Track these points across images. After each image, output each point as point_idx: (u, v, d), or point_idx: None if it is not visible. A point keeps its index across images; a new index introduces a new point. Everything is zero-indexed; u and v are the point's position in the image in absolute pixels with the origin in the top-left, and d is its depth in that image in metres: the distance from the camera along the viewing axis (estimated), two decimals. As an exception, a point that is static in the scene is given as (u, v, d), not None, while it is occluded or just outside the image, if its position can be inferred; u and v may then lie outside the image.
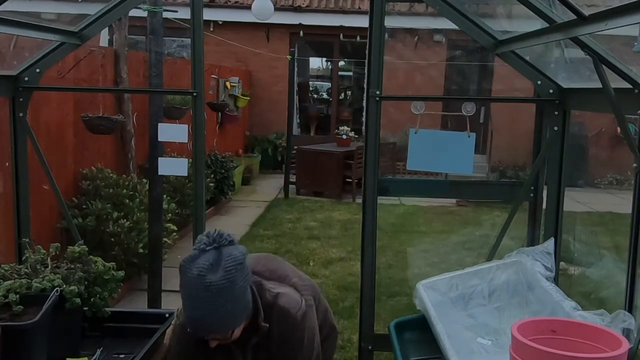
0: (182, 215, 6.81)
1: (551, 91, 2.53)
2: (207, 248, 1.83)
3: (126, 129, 6.16)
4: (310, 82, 15.92)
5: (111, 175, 5.54)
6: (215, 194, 8.80)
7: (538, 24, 2.05)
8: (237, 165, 10.01)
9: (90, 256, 2.32)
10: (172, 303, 4.78)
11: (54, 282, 2.08)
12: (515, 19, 2.61)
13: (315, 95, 15.86)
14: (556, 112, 2.54)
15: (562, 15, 1.89)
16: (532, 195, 2.69)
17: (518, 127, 10.57)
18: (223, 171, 9.02)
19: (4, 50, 3.52)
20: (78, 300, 2.12)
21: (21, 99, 2.67)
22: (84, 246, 2.32)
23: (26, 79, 2.65)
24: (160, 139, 3.02)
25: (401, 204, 9.33)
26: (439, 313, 2.18)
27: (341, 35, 13.22)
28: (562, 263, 2.82)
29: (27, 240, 2.43)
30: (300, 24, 13.08)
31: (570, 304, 2.04)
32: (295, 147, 10.85)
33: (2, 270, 2.17)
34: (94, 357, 2.17)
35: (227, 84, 10.65)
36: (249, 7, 9.76)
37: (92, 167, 5.52)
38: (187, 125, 2.81)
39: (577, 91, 2.46)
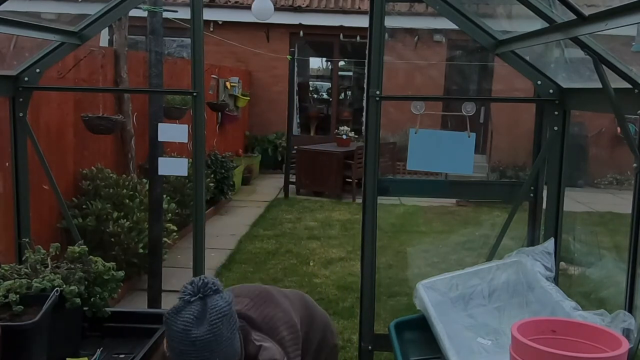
0: (182, 215, 6.81)
1: (551, 91, 2.53)
2: (192, 299, 1.78)
3: (126, 129, 6.16)
4: (310, 82, 15.91)
5: (111, 175, 5.54)
6: (215, 194, 8.80)
7: (538, 24, 2.05)
8: (237, 165, 10.02)
9: (90, 256, 2.32)
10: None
11: (54, 282, 2.08)
12: (515, 19, 2.61)
13: (315, 95, 15.86)
14: (556, 112, 2.54)
15: (562, 15, 1.89)
16: (532, 195, 2.68)
17: (518, 127, 10.58)
18: (223, 171, 9.02)
19: (4, 50, 3.52)
20: (78, 300, 2.12)
21: (21, 99, 2.67)
22: (84, 246, 2.32)
23: (26, 79, 2.65)
24: (160, 139, 3.02)
25: (401, 204, 9.33)
26: (439, 313, 2.18)
27: (341, 35, 13.22)
28: (562, 263, 2.82)
29: (27, 240, 2.43)
30: (300, 24, 13.08)
31: (570, 304, 2.04)
32: (295, 147, 10.85)
33: (2, 270, 2.17)
34: (94, 357, 2.17)
35: (227, 84, 10.65)
36: (249, 7, 9.76)
37: (92, 167, 5.52)
38: (187, 125, 2.81)
39: (577, 91, 2.46)
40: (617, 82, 1.91)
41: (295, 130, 13.39)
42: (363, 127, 2.68)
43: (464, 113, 2.65)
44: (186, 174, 2.93)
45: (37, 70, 2.66)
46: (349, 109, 14.63)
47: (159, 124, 3.02)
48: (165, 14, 4.55)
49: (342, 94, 15.52)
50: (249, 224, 8.33)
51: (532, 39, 2.19)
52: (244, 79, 11.96)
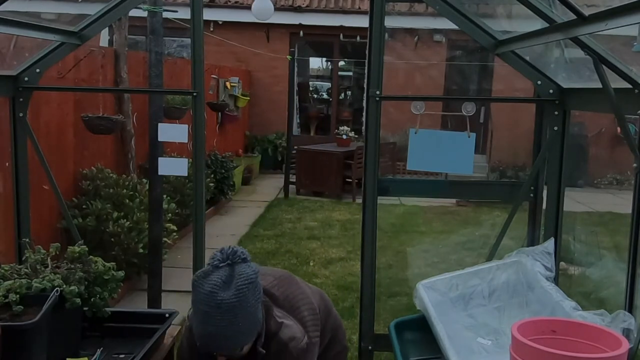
0: (182, 215, 6.81)
1: (551, 91, 2.53)
2: (221, 265, 1.83)
3: (126, 129, 6.16)
4: (310, 82, 15.91)
5: (111, 175, 5.54)
6: (215, 194, 8.80)
7: (538, 24, 2.05)
8: (237, 165, 10.01)
9: (90, 256, 2.32)
10: (172, 303, 4.78)
11: (54, 282, 2.08)
12: (515, 19, 2.61)
13: (315, 95, 15.86)
14: (556, 112, 2.54)
15: (562, 15, 1.89)
16: (532, 195, 2.68)
17: (518, 127, 10.58)
18: (223, 171, 9.02)
19: (4, 50, 3.52)
20: (78, 300, 2.12)
21: (21, 99, 2.67)
22: (84, 246, 2.32)
23: (26, 79, 2.65)
24: (160, 139, 3.02)
25: (401, 204, 9.33)
26: (439, 313, 2.18)
27: (341, 35, 13.21)
28: (562, 263, 2.82)
29: (27, 240, 2.43)
30: (300, 24, 13.08)
31: (570, 304, 2.04)
32: (295, 147, 10.85)
33: (2, 270, 2.17)
34: (94, 357, 2.17)
35: (227, 84, 10.65)
36: (249, 7, 9.76)
37: (92, 167, 5.52)
38: (187, 125, 2.81)
39: (577, 91, 2.46)
40: (617, 82, 1.91)
41: (295, 130, 13.38)
42: (363, 127, 2.68)
43: (464, 113, 2.65)
44: (186, 174, 2.93)
45: (37, 70, 2.66)
46: (349, 109, 14.63)
47: (159, 124, 3.01)
48: (165, 14, 4.55)
49: (342, 94, 15.52)
50: (249, 224, 8.33)
51: (532, 39, 2.19)
52: (244, 79, 11.96)
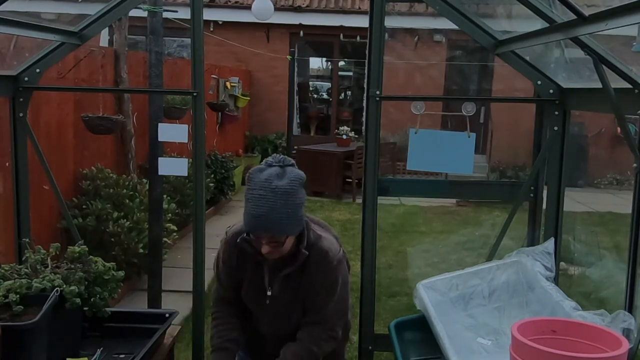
0: (182, 215, 6.81)
1: (551, 91, 2.53)
2: (274, 164, 2.05)
3: (126, 129, 6.15)
4: (310, 82, 15.90)
5: (111, 175, 5.54)
6: (215, 194, 8.80)
7: (538, 24, 2.05)
8: (237, 165, 10.01)
9: (90, 256, 2.32)
10: (172, 303, 4.78)
11: (54, 282, 2.08)
12: (515, 19, 2.61)
13: (315, 95, 15.85)
14: (556, 112, 2.54)
15: (562, 15, 1.89)
16: (532, 195, 2.68)
17: (518, 127, 10.57)
18: (223, 171, 9.01)
19: (4, 50, 3.52)
20: (78, 300, 2.12)
21: (21, 99, 2.67)
22: (84, 246, 2.32)
23: (26, 79, 2.65)
24: (160, 139, 3.01)
25: (401, 204, 9.33)
26: (439, 313, 2.18)
27: (341, 35, 13.21)
28: (562, 263, 2.82)
29: (27, 240, 2.43)
30: (300, 24, 13.08)
31: (570, 304, 2.04)
32: (295, 147, 10.85)
33: (2, 270, 2.17)
34: (94, 357, 2.17)
35: (227, 84, 10.64)
36: (249, 7, 9.76)
37: (92, 167, 5.52)
38: (187, 125, 2.81)
39: (577, 91, 2.46)
40: (617, 82, 1.91)
41: (295, 130, 13.38)
42: (363, 127, 2.68)
43: (464, 113, 2.64)
44: (186, 174, 2.92)
45: (37, 70, 2.66)
46: (349, 109, 14.62)
47: (159, 124, 3.01)
48: (165, 14, 4.55)
49: (342, 94, 15.51)
50: (249, 224, 8.32)
51: (532, 39, 2.19)
52: (244, 79, 11.95)
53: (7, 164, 3.17)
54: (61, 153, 5.11)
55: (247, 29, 12.80)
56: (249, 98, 12.02)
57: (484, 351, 2.12)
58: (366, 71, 2.58)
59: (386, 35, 2.52)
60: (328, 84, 15.45)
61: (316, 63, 16.38)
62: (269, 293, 2.21)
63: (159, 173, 3.96)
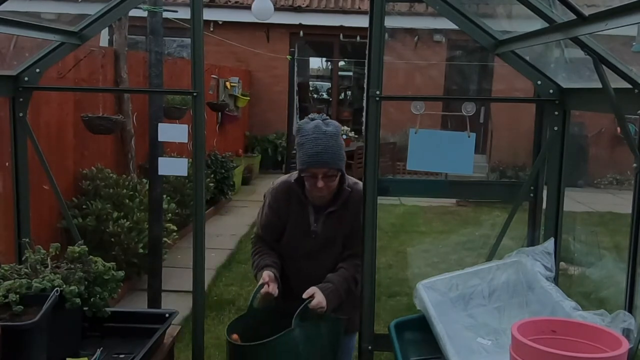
0: (182, 215, 6.81)
1: (551, 91, 2.53)
2: (316, 118, 2.56)
3: (126, 129, 6.16)
4: (310, 82, 15.91)
5: (111, 175, 5.54)
6: (215, 194, 8.80)
7: (538, 24, 2.05)
8: (237, 165, 10.01)
9: (90, 256, 2.31)
10: (172, 303, 4.79)
11: (54, 282, 2.08)
12: (515, 19, 2.61)
13: (315, 95, 15.86)
14: (556, 112, 2.54)
15: (562, 15, 1.89)
16: (532, 195, 2.68)
17: (518, 127, 10.58)
18: (223, 171, 9.02)
19: (4, 50, 3.52)
20: (78, 300, 2.12)
21: (21, 99, 2.66)
22: (84, 246, 2.32)
23: (26, 79, 2.65)
24: (160, 139, 3.01)
25: (401, 204, 9.33)
26: (439, 313, 2.18)
27: (341, 35, 13.22)
28: (562, 263, 2.82)
29: (27, 240, 2.43)
30: (300, 24, 13.09)
31: (570, 304, 2.03)
32: (295, 147, 10.84)
33: (2, 270, 2.17)
34: (94, 357, 2.17)
35: (227, 84, 10.64)
36: (249, 7, 9.77)
37: (92, 167, 5.52)
38: (187, 125, 2.80)
39: (577, 91, 2.46)
40: (617, 82, 1.91)
41: (295, 130, 13.37)
42: (363, 127, 2.68)
43: (464, 113, 2.64)
44: (186, 174, 2.92)
45: (37, 70, 2.65)
46: (349, 109, 14.63)
47: (159, 124, 3.01)
48: (165, 14, 4.55)
49: (342, 94, 15.52)
50: (249, 224, 8.32)
51: (532, 39, 2.19)
52: (244, 79, 11.96)
53: (7, 164, 3.17)
54: (61, 153, 5.12)
55: (247, 29, 12.81)
56: (249, 98, 12.02)
57: (484, 351, 2.12)
58: (366, 71, 2.57)
59: (386, 35, 2.52)
60: (328, 84, 15.46)
61: (316, 63, 16.39)
62: (314, 228, 2.63)
63: (159, 173, 3.96)
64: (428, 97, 2.93)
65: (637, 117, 1.93)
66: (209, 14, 11.60)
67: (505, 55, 2.55)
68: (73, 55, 4.85)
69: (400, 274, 6.29)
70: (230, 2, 13.00)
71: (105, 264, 2.31)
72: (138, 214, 5.33)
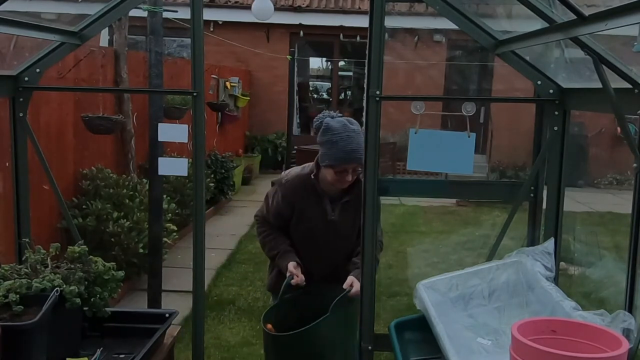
0: (182, 215, 6.81)
1: (551, 91, 2.53)
2: (335, 115, 2.80)
3: (126, 129, 6.16)
4: (310, 82, 15.91)
5: (111, 175, 5.55)
6: (215, 194, 8.80)
7: (538, 24, 2.05)
8: (237, 165, 10.01)
9: (90, 256, 2.31)
10: (172, 303, 4.79)
11: (54, 282, 2.08)
12: (515, 19, 2.61)
13: (315, 95, 15.86)
14: (556, 112, 2.54)
15: (562, 15, 1.88)
16: (532, 195, 2.68)
17: (518, 127, 10.58)
18: (223, 171, 9.02)
19: (4, 50, 3.52)
20: (78, 300, 2.12)
21: (21, 99, 2.66)
22: (84, 246, 2.32)
23: (26, 79, 2.65)
24: (160, 139, 3.01)
25: (401, 204, 9.33)
26: (439, 313, 2.18)
27: (341, 35, 13.22)
28: (562, 263, 2.82)
29: (27, 240, 2.43)
30: (300, 24, 13.08)
31: (570, 304, 2.03)
32: (295, 147, 10.84)
33: (2, 270, 2.17)
34: (94, 357, 2.17)
35: (227, 84, 10.64)
36: (249, 7, 9.77)
37: (92, 167, 5.52)
38: (187, 125, 2.80)
39: (577, 91, 2.46)
40: (617, 82, 1.91)
41: (295, 130, 13.39)
42: (363, 127, 2.67)
43: (464, 113, 2.64)
44: (186, 174, 2.92)
45: (37, 70, 2.65)
46: (349, 109, 14.62)
47: (159, 124, 3.01)
48: (165, 14, 4.55)
49: (342, 94, 15.52)
50: (249, 224, 8.32)
51: (532, 39, 2.19)
52: (244, 79, 11.96)
53: (7, 164, 3.17)
54: (61, 153, 5.12)
55: (247, 29, 12.80)
56: (249, 98, 12.02)
57: (484, 351, 2.12)
58: (366, 71, 2.57)
59: (386, 35, 2.52)
60: (328, 84, 15.46)
61: (316, 63, 16.39)
62: (331, 217, 2.85)
63: (159, 173, 3.96)
64: (428, 97, 2.93)
65: (637, 117, 1.93)
66: (209, 14, 11.59)
67: (505, 55, 2.55)
68: (73, 55, 4.85)
69: (400, 274, 6.28)
70: (230, 2, 13.00)
71: (105, 264, 2.31)
72: (138, 214, 5.33)
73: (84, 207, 5.13)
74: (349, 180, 2.77)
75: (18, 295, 2.00)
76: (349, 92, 15.68)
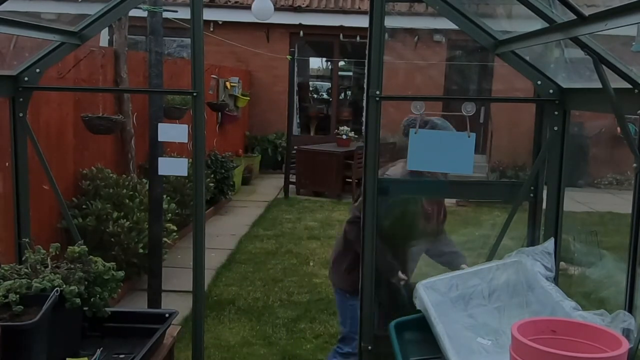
0: (182, 215, 6.81)
1: (551, 91, 2.53)
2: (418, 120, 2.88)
3: (126, 129, 6.16)
4: (310, 82, 15.91)
5: (111, 175, 5.54)
6: (215, 194, 8.80)
7: (538, 24, 2.05)
8: (237, 165, 10.01)
9: (90, 256, 2.31)
10: (171, 303, 4.79)
11: (54, 282, 2.08)
12: (515, 19, 2.61)
13: (315, 95, 15.86)
14: (556, 112, 2.54)
15: (562, 15, 1.88)
16: (532, 195, 2.68)
17: (518, 127, 10.58)
18: (223, 171, 9.02)
19: (4, 50, 3.52)
20: (78, 300, 2.12)
21: (21, 99, 2.66)
22: (84, 246, 2.32)
23: (26, 79, 2.65)
24: (160, 139, 3.01)
25: (401, 204, 9.29)
26: (439, 313, 2.18)
27: (341, 35, 13.21)
28: (562, 263, 2.82)
29: (27, 240, 2.43)
30: (300, 24, 13.08)
31: (570, 304, 2.03)
32: (295, 147, 10.85)
33: (2, 270, 2.17)
34: (94, 357, 2.17)
35: (227, 84, 10.64)
36: (249, 7, 9.77)
37: (92, 167, 5.52)
38: (187, 125, 2.80)
39: (577, 91, 2.46)
40: (617, 82, 1.91)
41: (295, 130, 13.39)
42: (363, 127, 2.67)
43: (464, 113, 2.64)
44: (186, 174, 2.92)
45: (37, 70, 2.66)
46: (349, 109, 14.62)
47: (159, 124, 3.01)
48: (165, 14, 4.55)
49: (342, 94, 15.52)
50: (249, 224, 8.33)
51: (532, 39, 2.19)
52: (244, 79, 11.96)
53: (7, 164, 3.17)
54: (61, 153, 5.12)
55: (247, 29, 12.80)
56: (249, 98, 12.02)
57: (484, 351, 2.12)
58: (366, 71, 2.57)
59: (386, 35, 2.52)
60: (328, 84, 15.46)
61: (316, 63, 16.39)
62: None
63: (159, 173, 3.96)
64: (428, 97, 2.92)
65: (637, 117, 1.94)
66: (209, 14, 11.59)
67: (505, 55, 2.55)
68: (73, 55, 4.85)
69: (400, 274, 6.26)
70: (230, 2, 13.00)
71: (105, 264, 2.31)
72: (138, 214, 5.33)
73: (84, 207, 5.13)
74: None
75: (18, 295, 2.00)
76: (349, 92, 15.68)
